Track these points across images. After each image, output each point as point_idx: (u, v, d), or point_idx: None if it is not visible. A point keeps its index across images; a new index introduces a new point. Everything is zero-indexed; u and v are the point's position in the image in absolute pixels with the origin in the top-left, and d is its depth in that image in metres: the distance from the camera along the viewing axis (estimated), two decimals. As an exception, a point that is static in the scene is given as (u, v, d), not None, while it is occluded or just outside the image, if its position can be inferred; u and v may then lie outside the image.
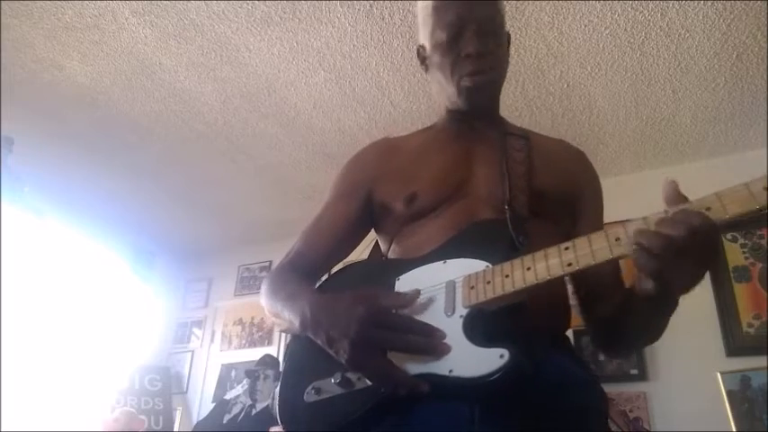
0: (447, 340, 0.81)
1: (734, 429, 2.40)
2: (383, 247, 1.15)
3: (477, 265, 0.86)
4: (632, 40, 2.31)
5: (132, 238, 3.95)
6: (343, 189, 1.17)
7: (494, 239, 0.90)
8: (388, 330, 0.82)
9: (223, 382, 3.69)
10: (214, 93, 2.70)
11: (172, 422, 3.57)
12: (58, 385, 3.30)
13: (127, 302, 3.93)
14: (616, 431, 2.60)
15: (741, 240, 2.75)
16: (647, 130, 2.84)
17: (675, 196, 0.78)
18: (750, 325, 2.59)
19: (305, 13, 2.24)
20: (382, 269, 1.02)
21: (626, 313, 0.93)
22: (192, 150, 3.13)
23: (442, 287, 0.87)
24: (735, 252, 2.74)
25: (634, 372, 2.67)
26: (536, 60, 2.42)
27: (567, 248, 0.79)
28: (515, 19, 2.22)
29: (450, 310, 0.84)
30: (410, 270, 0.94)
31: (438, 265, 0.92)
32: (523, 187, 1.00)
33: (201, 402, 3.72)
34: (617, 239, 0.76)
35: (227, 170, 3.31)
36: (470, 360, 0.78)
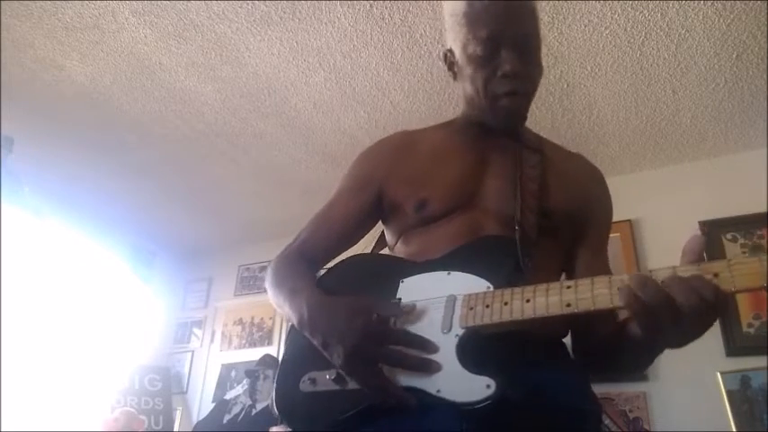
0: (439, 357, 0.83)
1: (734, 429, 2.40)
2: (390, 239, 1.16)
3: (479, 283, 0.87)
4: (632, 40, 2.31)
5: (132, 238, 3.96)
6: (355, 181, 1.17)
7: (500, 259, 0.91)
8: (383, 345, 0.84)
9: (223, 382, 3.69)
10: (214, 93, 2.70)
11: (172, 422, 3.57)
12: (58, 385, 3.30)
13: (127, 302, 3.93)
14: (616, 431, 2.60)
15: (741, 240, 2.75)
16: (648, 130, 2.84)
17: (696, 254, 0.75)
18: (750, 325, 2.59)
19: (305, 13, 2.24)
20: (388, 268, 1.02)
21: (615, 346, 0.93)
22: (191, 150, 3.13)
23: (443, 300, 0.88)
24: (735, 252, 2.74)
25: (634, 372, 2.67)
26: (536, 60, 2.42)
27: (568, 287, 0.79)
28: (515, 19, 2.22)
29: (447, 327, 0.85)
30: (415, 274, 0.96)
31: (442, 274, 0.93)
32: (533, 207, 1.00)
33: (201, 402, 3.72)
34: (619, 289, 0.75)
35: (227, 170, 3.31)
36: (458, 384, 0.79)
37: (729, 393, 2.47)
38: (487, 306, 0.83)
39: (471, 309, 0.85)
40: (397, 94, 2.67)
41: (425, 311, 0.89)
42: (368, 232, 1.18)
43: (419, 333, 0.86)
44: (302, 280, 1.02)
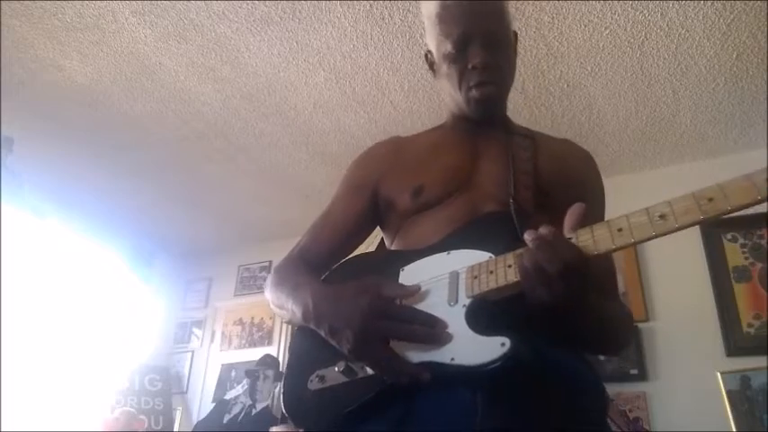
0: (449, 330, 0.82)
1: (734, 429, 2.40)
2: (388, 240, 1.17)
3: (480, 257, 0.87)
4: (632, 40, 2.31)
5: (132, 238, 3.96)
6: (351, 185, 1.20)
7: (498, 231, 0.92)
8: (390, 320, 0.84)
9: (223, 382, 3.69)
10: (214, 93, 2.70)
11: (172, 422, 3.57)
12: (58, 385, 3.30)
13: (127, 302, 3.93)
14: (616, 431, 2.60)
15: (741, 240, 2.75)
16: (648, 130, 2.84)
17: (576, 217, 0.81)
18: (750, 325, 2.59)
19: (305, 13, 2.24)
20: (386, 260, 1.03)
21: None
22: (191, 150, 3.13)
23: (446, 277, 0.88)
24: (735, 252, 2.74)
25: (634, 372, 2.67)
26: (536, 60, 2.43)
27: (569, 239, 0.79)
28: (516, 19, 2.21)
29: (454, 299, 0.85)
30: (414, 261, 0.96)
31: (442, 255, 0.93)
32: (528, 184, 1.02)
33: (201, 402, 3.72)
34: (619, 230, 0.76)
35: (227, 170, 3.31)
36: (472, 348, 0.79)
37: (729, 393, 2.47)
38: (491, 272, 0.83)
39: (476, 278, 0.85)
40: (397, 94, 2.67)
41: (429, 290, 0.89)
42: (367, 236, 1.19)
43: (426, 310, 0.86)
44: (304, 276, 1.04)
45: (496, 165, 1.07)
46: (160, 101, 2.76)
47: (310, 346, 0.93)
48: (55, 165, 3.23)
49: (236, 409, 3.29)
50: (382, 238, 1.21)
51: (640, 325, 2.71)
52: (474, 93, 1.08)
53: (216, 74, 2.58)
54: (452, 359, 0.79)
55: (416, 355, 0.82)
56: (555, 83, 2.55)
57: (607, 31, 2.28)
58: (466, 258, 0.88)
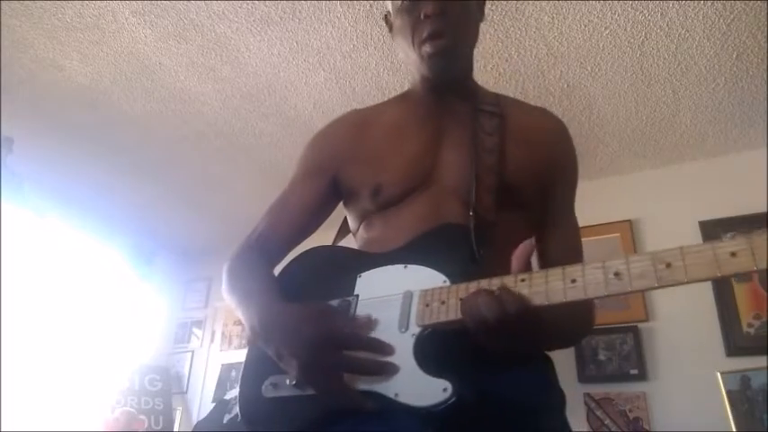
0: (396, 358, 0.81)
1: (734, 429, 2.40)
2: (352, 225, 1.14)
3: (435, 277, 0.86)
4: (632, 40, 2.31)
5: (132, 237, 3.96)
6: (309, 167, 1.17)
7: (454, 250, 0.89)
8: (338, 352, 0.82)
9: (223, 382, 3.69)
10: (214, 93, 2.70)
11: (172, 422, 3.57)
12: (58, 385, 3.30)
13: (127, 302, 3.93)
14: (616, 431, 2.60)
15: (741, 240, 2.75)
16: (647, 130, 2.84)
17: (522, 260, 0.78)
18: (750, 325, 2.59)
19: (305, 13, 2.24)
20: (346, 262, 1.00)
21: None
22: (192, 150, 3.13)
23: (399, 298, 0.87)
24: (735, 252, 2.73)
25: (634, 372, 2.67)
26: (536, 60, 2.42)
27: (523, 280, 0.76)
28: (515, 19, 2.22)
29: (404, 326, 0.84)
30: (372, 268, 0.94)
31: (399, 268, 0.92)
32: (491, 184, 0.97)
33: (201, 402, 3.72)
34: (573, 281, 0.73)
35: (228, 170, 3.31)
36: (415, 387, 0.78)
37: (729, 393, 2.47)
38: (443, 302, 0.82)
39: (427, 305, 0.83)
40: (396, 94, 2.67)
41: (382, 309, 0.88)
42: (327, 217, 1.16)
43: (377, 332, 0.85)
44: (257, 281, 1.00)
45: (460, 153, 1.02)
46: (160, 101, 2.76)
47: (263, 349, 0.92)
48: (55, 164, 3.23)
49: (236, 409, 3.29)
50: (345, 220, 1.18)
51: (640, 325, 2.72)
52: (427, 47, 1.01)
53: (216, 74, 2.58)
54: (396, 395, 0.79)
55: (363, 383, 0.81)
56: (555, 83, 2.55)
57: (607, 31, 2.28)
58: (421, 277, 0.87)
